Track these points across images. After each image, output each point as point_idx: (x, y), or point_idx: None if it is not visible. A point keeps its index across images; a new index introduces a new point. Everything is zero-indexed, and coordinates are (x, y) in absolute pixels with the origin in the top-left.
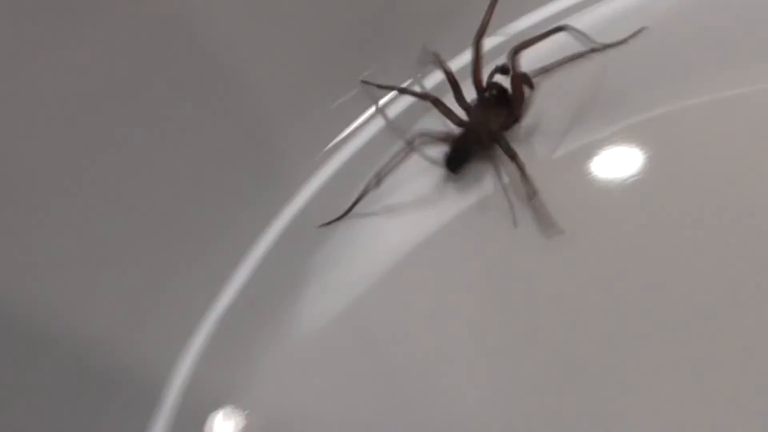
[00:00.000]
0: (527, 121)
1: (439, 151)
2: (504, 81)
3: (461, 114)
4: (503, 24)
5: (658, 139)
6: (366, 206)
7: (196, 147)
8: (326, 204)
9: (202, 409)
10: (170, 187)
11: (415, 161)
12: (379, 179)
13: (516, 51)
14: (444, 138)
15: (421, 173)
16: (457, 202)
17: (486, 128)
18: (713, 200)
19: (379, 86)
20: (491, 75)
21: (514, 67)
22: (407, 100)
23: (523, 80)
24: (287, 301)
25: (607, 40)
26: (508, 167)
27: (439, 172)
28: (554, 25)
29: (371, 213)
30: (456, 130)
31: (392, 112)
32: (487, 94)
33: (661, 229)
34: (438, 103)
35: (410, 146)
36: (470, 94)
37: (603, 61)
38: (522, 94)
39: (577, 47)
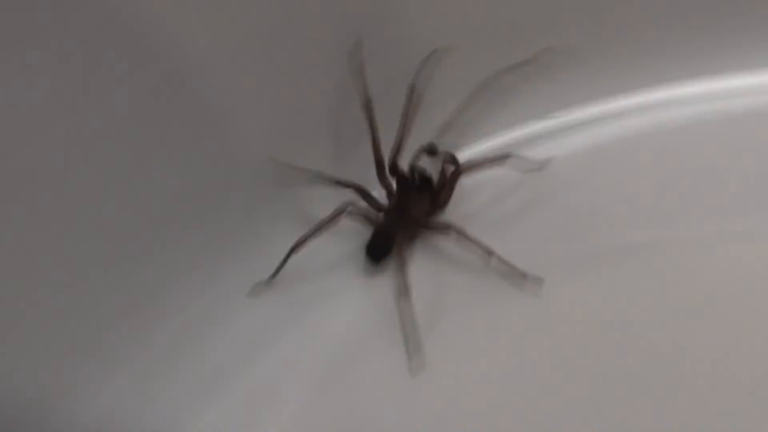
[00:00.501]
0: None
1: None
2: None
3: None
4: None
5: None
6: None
7: None
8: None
9: None
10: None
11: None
12: (295, 247)
13: (458, 168)
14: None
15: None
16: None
17: (408, 216)
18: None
19: (297, 169)
20: (416, 156)
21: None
22: None
23: (452, 165)
24: None
25: None
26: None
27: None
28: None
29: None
30: (379, 216)
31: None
32: (409, 180)
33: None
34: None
35: (339, 214)
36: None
37: None
38: (451, 183)
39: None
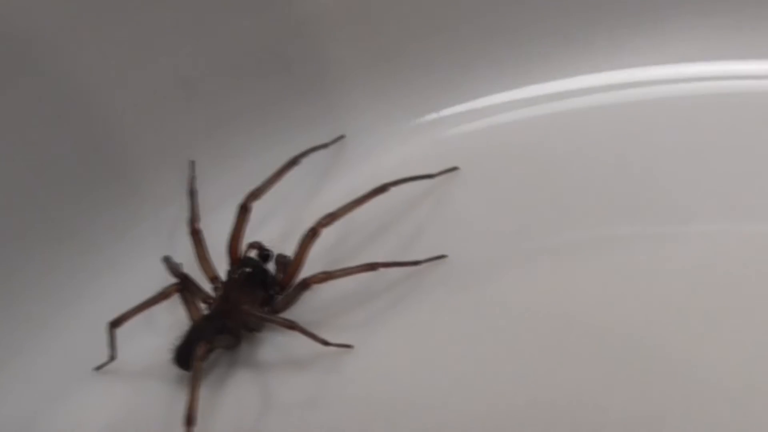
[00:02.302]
0: None
1: None
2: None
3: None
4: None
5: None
6: None
7: None
8: None
9: None
10: None
11: None
12: (116, 323)
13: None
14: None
15: None
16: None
17: (238, 310)
18: None
19: None
20: (249, 248)
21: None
22: None
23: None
24: None
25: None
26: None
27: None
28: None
29: None
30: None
31: None
32: (238, 271)
33: None
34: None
35: (165, 297)
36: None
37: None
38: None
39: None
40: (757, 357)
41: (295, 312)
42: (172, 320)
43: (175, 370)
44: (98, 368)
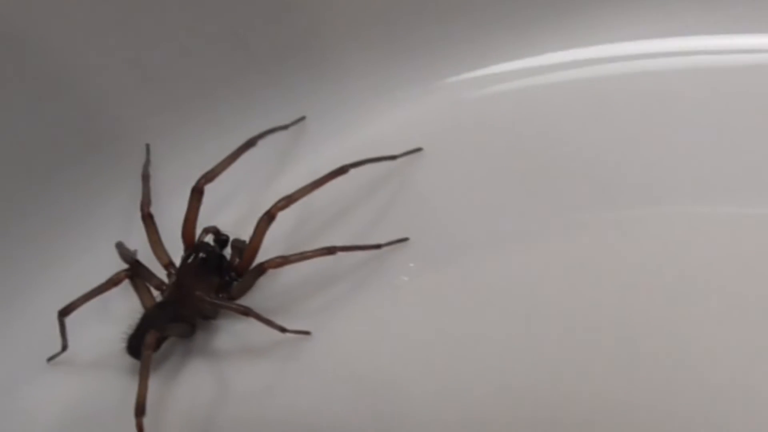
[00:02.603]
0: None
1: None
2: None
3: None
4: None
5: None
6: None
7: None
8: None
9: None
10: None
11: None
12: (64, 312)
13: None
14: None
15: None
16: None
17: (192, 297)
18: None
19: None
20: (204, 233)
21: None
22: None
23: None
24: None
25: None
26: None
27: None
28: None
29: None
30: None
31: None
32: (192, 256)
33: None
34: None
35: (113, 285)
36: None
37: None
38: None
39: None
40: (736, 338)
41: (252, 298)
42: (128, 308)
43: (130, 360)
44: (51, 359)
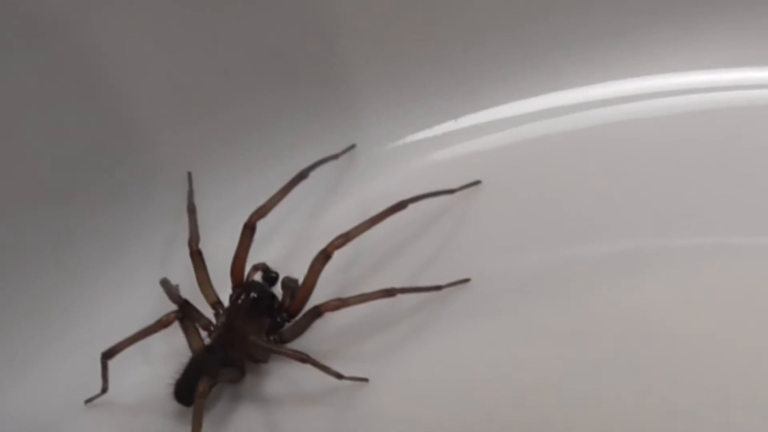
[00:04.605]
0: None
1: None
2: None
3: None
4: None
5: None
6: None
7: None
8: None
9: None
10: None
11: None
12: (109, 354)
13: (348, 236)
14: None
15: None
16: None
17: (243, 340)
18: None
19: None
20: (253, 270)
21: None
22: None
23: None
24: None
25: None
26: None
27: None
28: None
29: None
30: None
31: None
32: (242, 296)
33: None
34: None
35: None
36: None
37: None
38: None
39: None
40: None
41: (304, 341)
42: (168, 348)
43: (172, 404)
44: (89, 401)
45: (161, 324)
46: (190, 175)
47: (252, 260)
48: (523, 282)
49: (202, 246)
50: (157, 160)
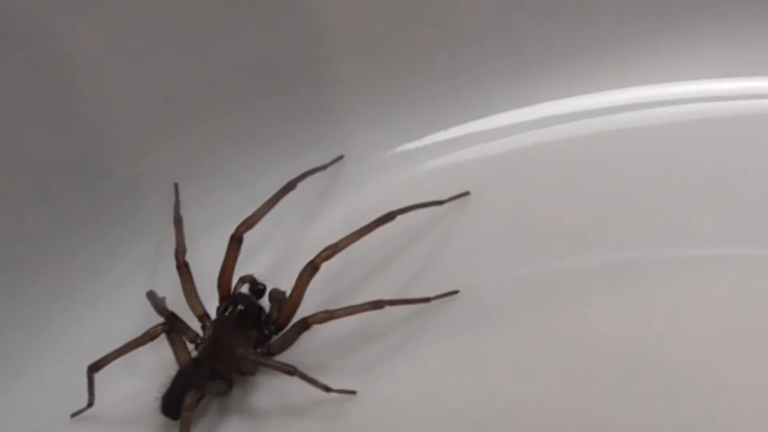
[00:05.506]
0: None
1: None
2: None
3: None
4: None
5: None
6: None
7: None
8: None
9: None
10: None
11: None
12: (95, 367)
13: (336, 248)
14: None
15: None
16: None
17: (231, 353)
18: None
19: None
20: (240, 282)
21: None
22: None
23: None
24: None
25: None
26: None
27: None
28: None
29: None
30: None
31: None
32: (229, 309)
33: None
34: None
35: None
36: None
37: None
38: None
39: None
40: None
41: (292, 353)
42: (155, 361)
43: (159, 417)
44: (75, 415)
45: (148, 337)
46: (176, 186)
47: (239, 272)
48: (513, 294)
49: (188, 258)
50: (143, 170)
